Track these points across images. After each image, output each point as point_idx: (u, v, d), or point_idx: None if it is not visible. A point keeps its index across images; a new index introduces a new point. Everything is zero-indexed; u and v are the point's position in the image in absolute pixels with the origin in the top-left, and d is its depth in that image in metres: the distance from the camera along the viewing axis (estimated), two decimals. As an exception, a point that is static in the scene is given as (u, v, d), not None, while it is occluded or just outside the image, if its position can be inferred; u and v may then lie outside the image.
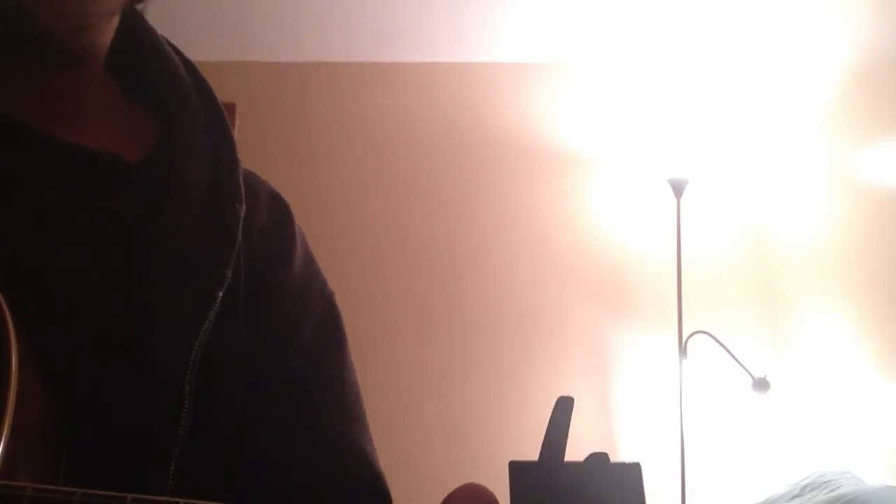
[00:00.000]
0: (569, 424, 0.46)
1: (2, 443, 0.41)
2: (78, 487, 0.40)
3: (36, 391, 0.46)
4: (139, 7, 0.64)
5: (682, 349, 2.48)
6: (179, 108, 0.63)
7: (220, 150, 0.64)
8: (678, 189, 2.58)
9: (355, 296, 2.71)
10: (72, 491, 0.39)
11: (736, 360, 2.43)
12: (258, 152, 2.73)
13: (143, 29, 0.65)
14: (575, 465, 0.46)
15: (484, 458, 2.36)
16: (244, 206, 0.61)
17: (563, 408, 0.46)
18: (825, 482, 2.02)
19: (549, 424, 0.46)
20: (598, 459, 0.46)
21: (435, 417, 2.65)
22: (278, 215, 0.67)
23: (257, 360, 0.59)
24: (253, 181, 0.67)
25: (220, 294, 0.56)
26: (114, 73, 0.64)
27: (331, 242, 2.76)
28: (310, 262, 0.68)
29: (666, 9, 2.59)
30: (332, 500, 0.58)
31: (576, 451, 0.50)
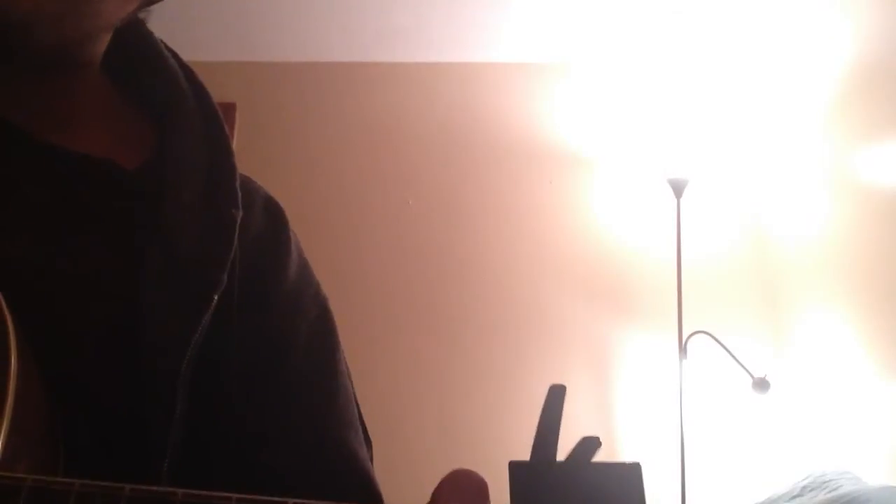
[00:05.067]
0: (561, 413, 0.46)
1: (1, 439, 0.42)
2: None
3: (35, 389, 0.47)
4: (141, 15, 0.64)
5: (682, 349, 2.48)
6: (176, 114, 0.64)
7: (216, 155, 0.64)
8: (678, 189, 2.58)
9: (355, 295, 2.72)
10: (70, 482, 0.40)
11: (736, 360, 2.43)
12: (258, 152, 2.76)
13: (142, 34, 0.66)
14: (574, 464, 0.46)
15: (484, 458, 2.36)
16: (241, 212, 0.61)
17: (556, 396, 0.46)
18: (825, 482, 2.02)
19: (541, 413, 0.46)
20: (590, 443, 0.46)
21: (435, 417, 2.65)
22: (273, 221, 0.68)
23: (252, 363, 0.60)
24: (249, 186, 0.67)
25: (216, 297, 0.56)
26: (112, 78, 0.64)
27: (330, 242, 2.76)
28: (304, 267, 0.68)
29: (666, 9, 2.60)
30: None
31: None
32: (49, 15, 0.53)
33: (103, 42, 0.61)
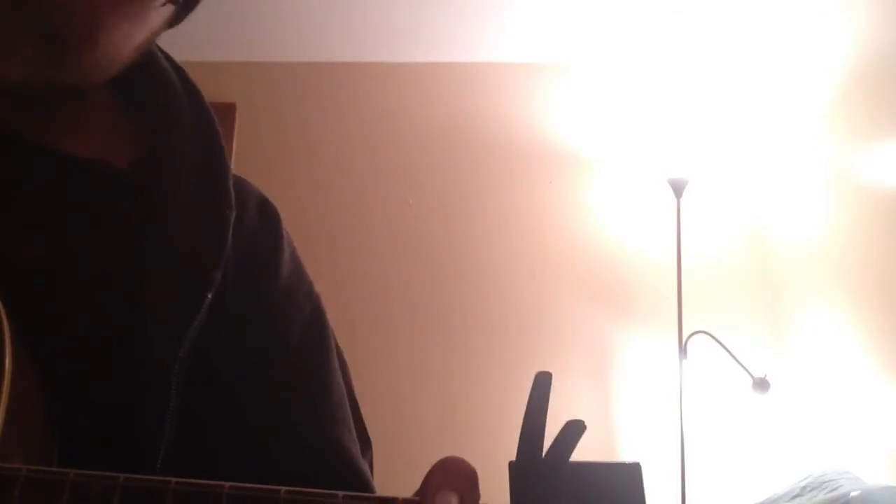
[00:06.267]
0: (548, 400, 0.47)
1: None
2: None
3: (30, 385, 0.48)
4: None
5: (682, 349, 2.48)
6: (169, 114, 0.65)
7: (210, 156, 0.65)
8: (678, 189, 2.58)
9: (355, 295, 2.72)
10: (65, 472, 0.40)
11: (736, 360, 2.43)
12: (258, 152, 2.76)
13: None
14: (560, 450, 0.46)
15: (484, 458, 2.35)
16: (234, 212, 0.62)
17: (542, 383, 0.47)
18: (825, 482, 2.02)
19: (528, 401, 0.47)
20: (574, 427, 0.46)
21: (435, 417, 2.65)
22: (267, 220, 0.69)
23: (245, 360, 0.60)
24: (242, 187, 0.68)
25: (210, 296, 0.57)
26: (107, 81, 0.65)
27: (330, 242, 2.76)
28: (297, 266, 0.69)
29: (666, 9, 2.60)
30: None
31: (576, 451, 0.50)
32: (40, 80, 0.54)
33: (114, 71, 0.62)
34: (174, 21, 0.66)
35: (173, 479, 0.40)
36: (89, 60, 0.55)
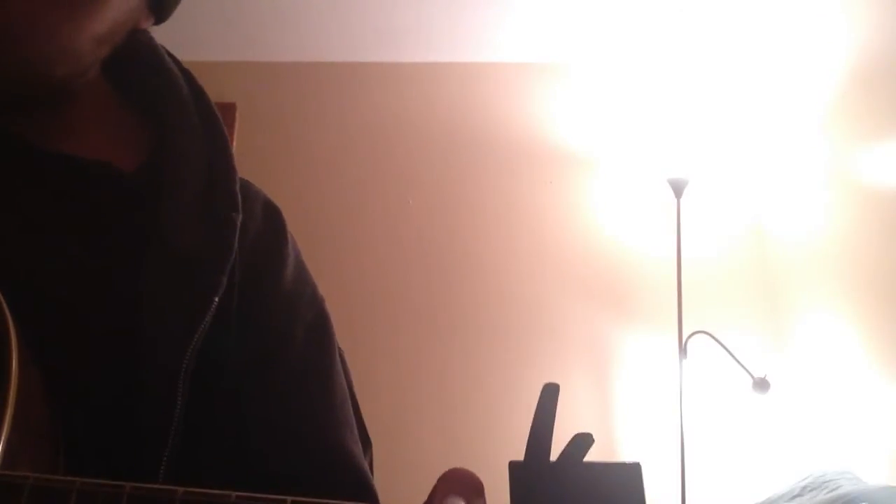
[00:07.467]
0: (555, 411, 0.47)
1: (2, 438, 0.42)
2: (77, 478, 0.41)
3: (35, 390, 0.48)
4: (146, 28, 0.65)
5: (682, 349, 2.48)
6: (176, 116, 0.65)
7: (216, 159, 0.65)
8: (678, 189, 2.58)
9: (355, 296, 2.72)
10: (71, 480, 0.40)
11: (736, 360, 2.43)
12: (258, 152, 2.76)
13: (143, 39, 0.66)
14: (567, 461, 0.46)
15: (484, 458, 2.36)
16: (240, 215, 0.62)
17: (549, 395, 0.47)
18: (825, 482, 2.02)
19: (535, 412, 0.47)
20: (583, 440, 0.46)
21: (435, 417, 2.65)
22: (272, 223, 0.69)
23: (250, 363, 0.60)
24: (248, 189, 0.68)
25: (216, 299, 0.57)
26: (111, 82, 0.65)
27: (330, 242, 2.76)
28: (301, 268, 0.69)
29: (666, 9, 2.60)
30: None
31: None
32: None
33: (91, 71, 0.61)
34: (160, 16, 0.66)
35: (180, 489, 0.40)
36: (32, 52, 0.55)
